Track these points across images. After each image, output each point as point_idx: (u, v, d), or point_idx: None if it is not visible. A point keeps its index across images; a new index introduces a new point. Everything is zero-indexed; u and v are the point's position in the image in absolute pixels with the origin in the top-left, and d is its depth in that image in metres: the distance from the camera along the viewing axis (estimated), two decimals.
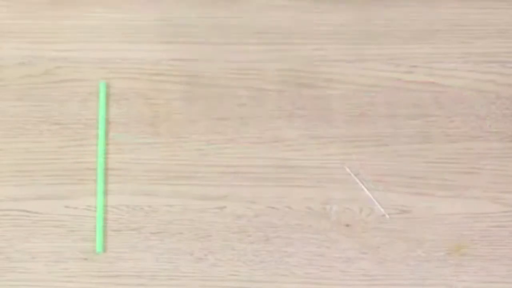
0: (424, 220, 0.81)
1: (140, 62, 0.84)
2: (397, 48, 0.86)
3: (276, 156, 0.81)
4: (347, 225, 0.80)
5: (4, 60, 0.84)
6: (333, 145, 0.82)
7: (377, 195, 0.80)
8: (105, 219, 0.80)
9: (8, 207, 0.80)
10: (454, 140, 0.83)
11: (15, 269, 0.78)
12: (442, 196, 0.82)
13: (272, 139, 0.82)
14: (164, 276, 0.79)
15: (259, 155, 0.81)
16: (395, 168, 0.82)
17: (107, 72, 0.84)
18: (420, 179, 0.82)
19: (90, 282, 0.78)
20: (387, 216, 0.80)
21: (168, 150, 0.81)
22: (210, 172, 0.81)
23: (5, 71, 0.83)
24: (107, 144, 0.82)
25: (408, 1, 0.87)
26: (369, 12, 0.84)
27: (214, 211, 0.80)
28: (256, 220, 0.80)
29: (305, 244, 0.80)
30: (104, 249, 0.79)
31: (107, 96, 0.83)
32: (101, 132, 0.82)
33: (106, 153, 0.81)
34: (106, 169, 0.81)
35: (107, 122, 0.82)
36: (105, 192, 0.80)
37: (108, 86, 0.83)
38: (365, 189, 0.80)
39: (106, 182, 0.81)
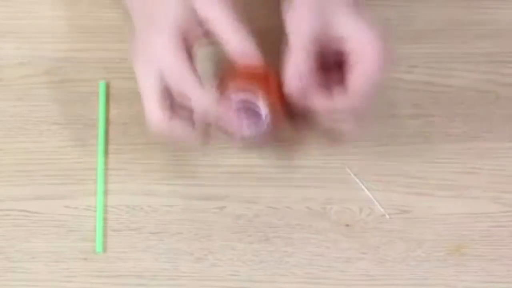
0: (424, 220, 0.81)
1: None
2: (397, 48, 0.86)
3: (276, 156, 0.81)
4: (347, 225, 0.80)
5: (4, 60, 0.84)
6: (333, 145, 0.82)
7: (377, 195, 0.80)
8: (105, 219, 0.80)
9: (8, 207, 0.80)
10: (454, 140, 0.83)
11: (15, 269, 0.78)
12: (442, 196, 0.82)
13: (272, 139, 0.82)
14: (164, 276, 0.79)
15: (259, 155, 0.81)
16: (395, 168, 0.82)
17: (107, 72, 0.84)
18: (420, 179, 0.82)
19: (90, 282, 0.78)
20: (387, 216, 0.80)
21: (168, 150, 0.81)
22: (210, 172, 0.81)
23: (5, 71, 0.84)
24: (107, 144, 0.82)
25: (408, 1, 0.87)
26: (369, 12, 0.84)
27: (214, 211, 0.80)
28: (256, 220, 0.80)
29: (305, 244, 0.80)
30: (104, 249, 0.79)
31: (107, 96, 0.83)
32: (101, 132, 0.82)
33: (106, 153, 0.81)
34: (106, 169, 0.81)
35: (107, 122, 0.82)
36: (105, 192, 0.80)
37: (108, 86, 0.83)
38: (365, 189, 0.80)
39: (106, 182, 0.81)
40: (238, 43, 0.68)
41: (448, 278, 0.79)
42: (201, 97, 0.68)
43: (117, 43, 0.85)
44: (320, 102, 0.69)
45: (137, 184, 0.81)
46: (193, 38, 0.70)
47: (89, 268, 0.79)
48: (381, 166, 0.82)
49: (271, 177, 0.81)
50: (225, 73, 0.70)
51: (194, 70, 0.68)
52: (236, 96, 0.69)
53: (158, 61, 0.69)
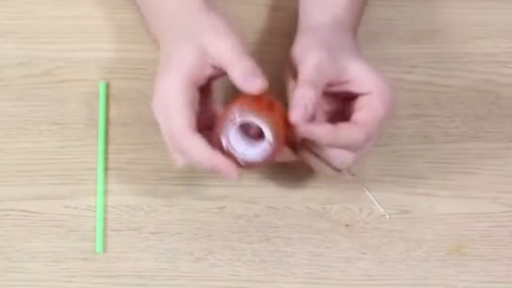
0: (424, 220, 0.81)
1: (140, 62, 0.84)
2: (397, 48, 0.86)
3: None
4: (347, 225, 0.80)
5: (4, 60, 0.84)
6: None
7: (377, 195, 0.80)
8: (105, 219, 0.80)
9: (8, 207, 0.80)
10: (454, 140, 0.83)
11: (15, 269, 0.78)
12: (442, 196, 0.82)
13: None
14: (164, 276, 0.79)
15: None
16: (395, 168, 0.82)
17: (107, 72, 0.84)
18: (420, 179, 0.82)
19: (90, 282, 0.78)
20: (387, 216, 0.80)
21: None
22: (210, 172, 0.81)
23: (5, 71, 0.84)
24: (107, 144, 0.82)
25: (408, 1, 0.87)
26: (369, 12, 0.84)
27: (214, 211, 0.80)
28: (256, 220, 0.80)
29: (305, 244, 0.80)
30: (104, 249, 0.79)
31: (107, 96, 0.83)
32: (101, 132, 0.82)
33: (106, 153, 0.81)
34: (106, 169, 0.81)
35: (107, 122, 0.82)
36: (105, 192, 0.80)
37: (108, 86, 0.83)
38: (365, 189, 0.80)
39: (106, 182, 0.81)
40: (243, 70, 0.68)
41: (448, 278, 0.79)
42: (198, 159, 0.69)
43: (117, 43, 0.85)
44: (324, 132, 0.69)
45: (137, 184, 0.81)
46: (205, 77, 0.71)
47: (89, 268, 0.79)
48: (381, 166, 0.82)
49: (271, 177, 0.81)
50: (231, 100, 0.70)
51: (193, 133, 0.69)
52: (240, 115, 0.69)
53: (164, 104, 0.70)
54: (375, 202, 0.80)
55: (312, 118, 0.69)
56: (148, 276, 0.79)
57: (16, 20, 0.85)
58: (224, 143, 0.69)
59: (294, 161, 0.74)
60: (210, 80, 0.72)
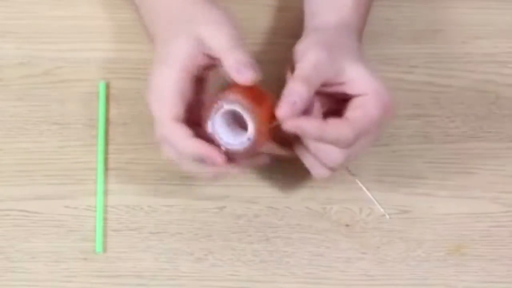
0: (424, 220, 0.81)
1: (140, 62, 0.84)
2: (397, 48, 0.86)
3: (276, 156, 0.81)
4: (347, 225, 0.80)
5: (4, 60, 0.84)
6: None
7: (377, 195, 0.80)
8: (105, 219, 0.80)
9: (8, 207, 0.80)
10: (454, 140, 0.83)
11: (15, 269, 0.78)
12: (442, 196, 0.82)
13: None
14: (164, 276, 0.79)
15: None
16: (395, 168, 0.82)
17: (107, 72, 0.84)
18: (420, 179, 0.82)
19: (90, 282, 0.78)
20: (387, 216, 0.80)
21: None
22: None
23: (5, 71, 0.84)
24: (107, 144, 0.82)
25: (408, 1, 0.87)
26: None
27: (214, 211, 0.80)
28: (256, 220, 0.80)
29: (305, 244, 0.80)
30: (104, 249, 0.79)
31: (107, 96, 0.83)
32: (101, 132, 0.82)
33: (106, 153, 0.81)
34: (106, 169, 0.81)
35: (107, 122, 0.82)
36: (105, 192, 0.80)
37: (108, 86, 0.83)
38: (365, 189, 0.80)
39: (106, 182, 0.81)
40: (236, 61, 0.69)
41: (448, 278, 0.79)
42: (185, 150, 0.69)
43: (117, 43, 0.85)
44: (311, 126, 0.69)
45: (137, 184, 0.81)
46: (201, 68, 0.71)
47: (89, 268, 0.79)
48: (381, 166, 0.82)
49: (271, 177, 0.81)
50: (220, 89, 0.71)
51: (179, 125, 0.69)
52: (227, 103, 0.69)
53: (158, 101, 0.70)
54: (375, 202, 0.80)
55: (305, 113, 0.70)
56: (148, 276, 0.79)
57: (16, 20, 0.85)
58: (209, 129, 0.69)
59: (289, 157, 0.74)
60: (206, 70, 0.72)
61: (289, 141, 0.74)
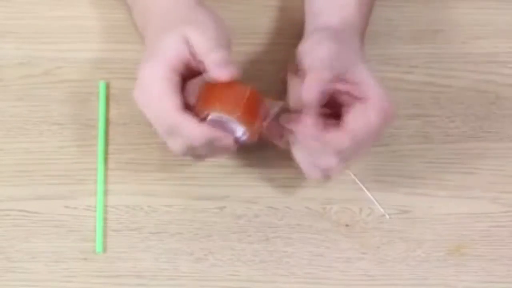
0: (424, 220, 0.81)
1: (139, 62, 0.84)
2: (397, 48, 0.86)
3: (276, 156, 0.81)
4: (347, 225, 0.80)
5: (4, 60, 0.84)
6: None
7: (377, 195, 0.80)
8: (105, 219, 0.80)
9: (8, 207, 0.80)
10: (454, 140, 0.83)
11: (15, 269, 0.78)
12: (442, 196, 0.82)
13: None
14: (164, 276, 0.79)
15: (259, 155, 0.81)
16: (395, 168, 0.82)
17: (107, 72, 0.84)
18: (420, 179, 0.82)
19: (90, 282, 0.78)
20: (387, 216, 0.80)
21: (168, 150, 0.81)
22: (210, 172, 0.81)
23: (5, 71, 0.83)
24: (107, 144, 0.82)
25: (408, 1, 0.87)
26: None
27: (214, 211, 0.80)
28: (256, 220, 0.80)
29: (305, 244, 0.80)
30: (104, 249, 0.79)
31: (107, 96, 0.83)
32: (101, 132, 0.82)
33: (106, 153, 0.81)
34: (106, 169, 0.81)
35: (107, 122, 0.82)
36: (105, 192, 0.80)
37: (108, 86, 0.83)
38: (365, 189, 0.80)
39: (106, 182, 0.81)
40: (214, 59, 0.70)
41: (448, 278, 0.79)
42: (192, 136, 0.70)
43: (117, 43, 0.85)
44: (309, 133, 0.70)
45: (137, 184, 0.81)
46: (188, 68, 0.72)
47: (89, 268, 0.79)
48: (381, 166, 0.82)
49: (271, 177, 0.81)
50: (203, 89, 0.71)
51: (180, 104, 0.70)
52: (212, 113, 0.70)
53: (149, 91, 0.71)
54: (375, 202, 0.80)
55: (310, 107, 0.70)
56: (148, 276, 0.79)
57: (16, 20, 0.85)
58: None
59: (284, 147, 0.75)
60: (193, 74, 0.72)
61: (282, 135, 0.74)
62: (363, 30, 0.79)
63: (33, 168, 0.81)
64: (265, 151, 0.80)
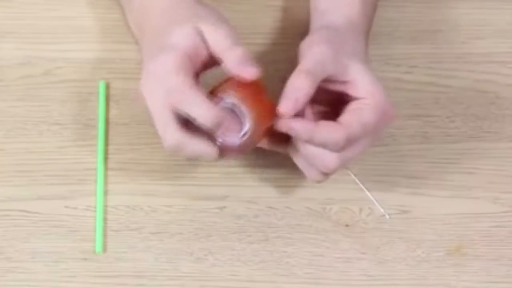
0: (424, 220, 0.81)
1: (140, 62, 0.84)
2: (397, 48, 0.86)
3: (276, 156, 0.81)
4: (347, 225, 0.80)
5: (4, 60, 0.84)
6: None
7: (377, 195, 0.80)
8: (105, 219, 0.80)
9: (8, 207, 0.80)
10: (454, 140, 0.83)
11: (15, 269, 0.78)
12: (442, 196, 0.82)
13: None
14: (164, 276, 0.79)
15: (259, 155, 0.81)
16: (395, 168, 0.82)
17: (107, 72, 0.84)
18: (420, 179, 0.82)
19: (90, 282, 0.78)
20: (387, 216, 0.80)
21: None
22: (210, 172, 0.81)
23: (5, 71, 0.84)
24: (107, 144, 0.82)
25: (408, 1, 0.87)
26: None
27: (214, 211, 0.80)
28: (256, 220, 0.80)
29: (305, 244, 0.80)
30: (104, 249, 0.79)
31: (107, 96, 0.83)
32: (101, 132, 0.82)
33: (106, 153, 0.81)
34: (106, 169, 0.81)
35: (107, 122, 0.82)
36: (105, 192, 0.80)
37: (108, 86, 0.83)
38: (365, 189, 0.80)
39: (106, 182, 0.81)
40: (237, 57, 0.69)
41: (448, 278, 0.79)
42: (202, 114, 0.68)
43: (117, 43, 0.85)
44: (301, 127, 0.69)
45: (137, 184, 0.81)
46: (200, 62, 0.71)
47: (89, 268, 0.79)
48: (381, 166, 0.82)
49: (271, 177, 0.81)
50: (219, 83, 0.71)
51: (196, 89, 0.69)
52: (226, 98, 0.70)
53: (162, 80, 0.69)
54: (375, 202, 0.80)
55: (297, 115, 0.70)
56: (148, 276, 0.79)
57: (16, 20, 0.85)
58: None
59: (284, 154, 0.75)
60: (202, 68, 0.72)
61: (285, 139, 0.74)
62: (368, 30, 0.79)
63: (33, 168, 0.81)
64: (265, 151, 0.80)
